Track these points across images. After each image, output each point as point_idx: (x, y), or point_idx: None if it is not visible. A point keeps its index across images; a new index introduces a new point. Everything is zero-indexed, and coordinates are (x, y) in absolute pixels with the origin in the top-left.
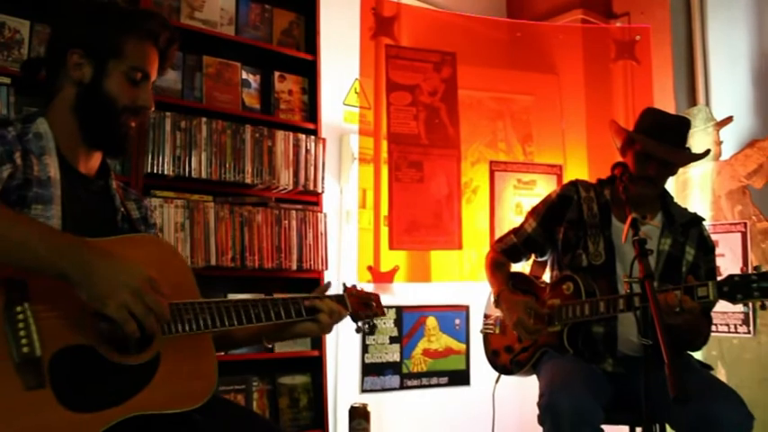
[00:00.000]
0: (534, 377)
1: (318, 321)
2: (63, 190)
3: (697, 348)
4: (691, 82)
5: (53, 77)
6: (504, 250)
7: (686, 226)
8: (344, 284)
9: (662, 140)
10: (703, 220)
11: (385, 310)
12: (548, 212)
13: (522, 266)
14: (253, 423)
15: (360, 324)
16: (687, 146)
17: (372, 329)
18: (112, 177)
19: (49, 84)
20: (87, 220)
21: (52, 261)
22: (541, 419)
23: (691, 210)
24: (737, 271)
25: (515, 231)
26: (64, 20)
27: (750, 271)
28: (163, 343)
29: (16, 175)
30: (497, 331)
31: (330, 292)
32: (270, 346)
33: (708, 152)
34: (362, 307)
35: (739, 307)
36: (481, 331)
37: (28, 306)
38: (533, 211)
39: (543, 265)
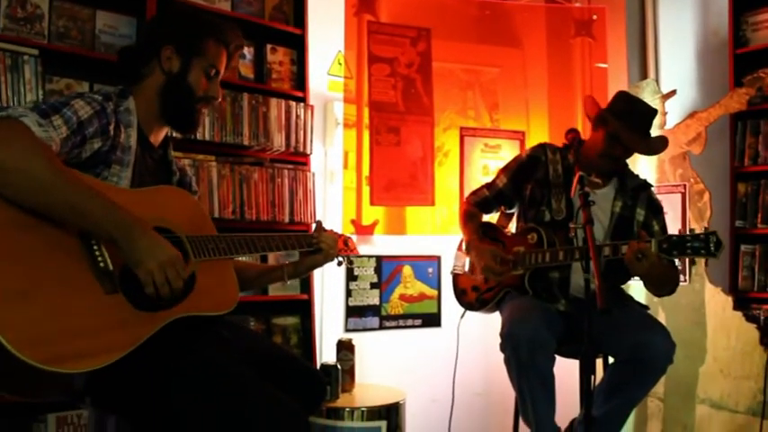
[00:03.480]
0: (496, 315)
1: (322, 250)
2: (136, 157)
3: (670, 292)
4: (642, 58)
5: (143, 64)
6: (477, 203)
7: (636, 190)
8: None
9: (632, 127)
10: (651, 186)
11: (365, 258)
12: (518, 170)
13: (490, 217)
14: (269, 344)
15: (340, 259)
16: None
17: (351, 264)
18: (171, 148)
19: (140, 69)
20: (150, 182)
21: (107, 231)
22: (503, 347)
23: (638, 172)
24: (678, 226)
25: (488, 186)
26: (163, 20)
27: (687, 232)
28: (197, 265)
29: (106, 143)
30: (466, 272)
31: None
32: (289, 282)
33: (666, 145)
34: (342, 245)
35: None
36: (451, 272)
37: None
38: (505, 169)
39: (509, 216)
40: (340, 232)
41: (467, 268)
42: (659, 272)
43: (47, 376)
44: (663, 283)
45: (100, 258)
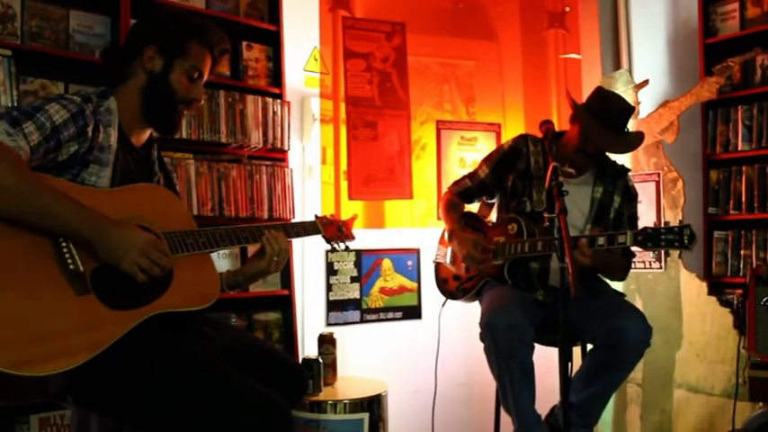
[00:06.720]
0: (477, 307)
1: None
2: (116, 157)
3: (620, 279)
4: (615, 49)
5: (127, 64)
6: (459, 192)
7: (615, 177)
8: (315, 215)
9: (604, 126)
10: (629, 170)
11: (345, 252)
12: (500, 161)
13: (471, 207)
14: (252, 340)
15: (333, 245)
16: (627, 128)
17: (347, 249)
18: (155, 149)
19: (123, 69)
20: (129, 182)
21: (79, 231)
22: (482, 336)
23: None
24: (653, 214)
25: (470, 176)
26: (147, 21)
27: (662, 224)
28: (174, 261)
29: (83, 145)
30: (447, 262)
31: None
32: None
33: (640, 142)
34: (336, 231)
35: None
36: (433, 261)
37: None
38: (487, 159)
39: (491, 206)
40: (332, 217)
41: (448, 258)
42: (604, 265)
43: (18, 380)
44: (612, 272)
45: (70, 260)
